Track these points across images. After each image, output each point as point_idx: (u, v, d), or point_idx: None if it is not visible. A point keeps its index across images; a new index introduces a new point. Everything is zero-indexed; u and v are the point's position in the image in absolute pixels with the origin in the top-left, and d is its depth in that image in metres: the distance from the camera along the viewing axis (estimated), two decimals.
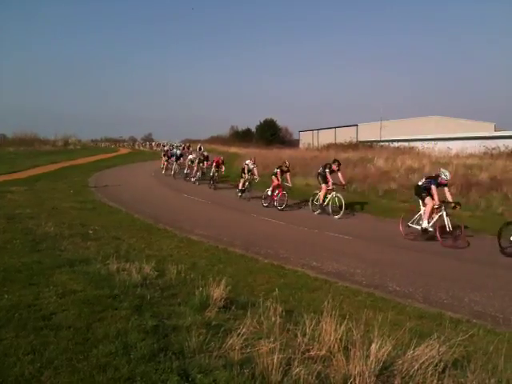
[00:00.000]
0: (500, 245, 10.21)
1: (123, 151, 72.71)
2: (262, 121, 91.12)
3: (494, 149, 27.10)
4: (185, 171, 27.48)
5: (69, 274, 6.55)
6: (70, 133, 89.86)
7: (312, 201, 16.28)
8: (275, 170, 17.84)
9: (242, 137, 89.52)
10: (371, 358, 3.66)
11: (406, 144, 37.48)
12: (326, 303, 4.52)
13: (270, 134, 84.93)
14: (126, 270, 6.70)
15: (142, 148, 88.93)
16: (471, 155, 26.26)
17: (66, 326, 4.54)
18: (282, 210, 16.44)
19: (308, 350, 4.08)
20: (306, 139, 74.70)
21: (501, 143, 27.60)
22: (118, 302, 5.36)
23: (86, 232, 10.29)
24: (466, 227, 11.40)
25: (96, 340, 4.22)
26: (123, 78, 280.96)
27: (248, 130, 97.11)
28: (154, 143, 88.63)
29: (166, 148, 39.20)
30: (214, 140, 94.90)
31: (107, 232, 10.59)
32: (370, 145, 41.85)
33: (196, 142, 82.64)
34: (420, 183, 12.13)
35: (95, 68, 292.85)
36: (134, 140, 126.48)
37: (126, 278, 6.32)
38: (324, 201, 15.68)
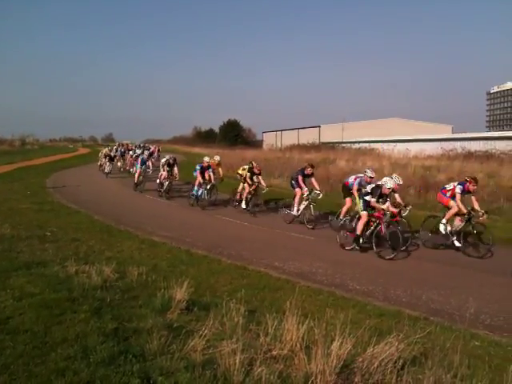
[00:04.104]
0: None
1: (83, 151, 71.27)
2: (225, 121, 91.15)
3: (451, 150, 27.94)
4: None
5: (26, 276, 6.36)
6: (27, 132, 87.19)
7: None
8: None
9: (205, 137, 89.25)
10: (332, 357, 3.70)
11: (366, 145, 38.19)
12: (288, 303, 4.56)
13: (234, 134, 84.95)
14: (86, 273, 6.56)
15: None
16: (429, 156, 26.98)
17: (23, 329, 4.42)
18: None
19: (270, 350, 4.10)
20: (269, 140, 75.11)
21: (458, 145, 28.48)
22: (77, 304, 5.24)
23: (43, 234, 10.01)
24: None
25: (54, 344, 4.12)
26: (84, 77, 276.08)
27: (211, 131, 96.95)
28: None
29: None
30: (177, 140, 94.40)
31: (66, 234, 10.33)
32: (332, 146, 42.45)
33: (158, 142, 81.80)
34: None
35: (55, 66, 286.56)
36: (94, 140, 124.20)
37: (86, 280, 6.18)
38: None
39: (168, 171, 19.20)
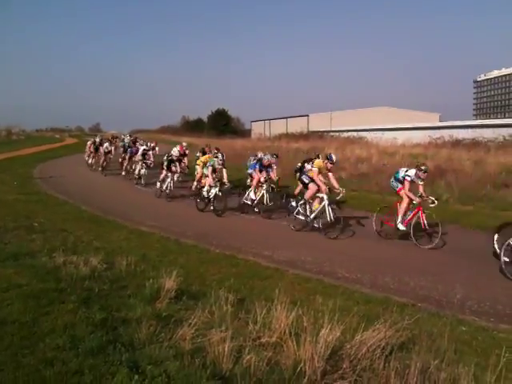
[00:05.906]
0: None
1: (69, 141, 70.57)
2: (213, 111, 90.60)
3: (438, 138, 28.07)
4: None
5: (13, 267, 6.32)
6: (13, 123, 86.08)
7: None
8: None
9: (193, 127, 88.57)
10: (321, 344, 3.73)
11: (355, 134, 38.26)
12: (277, 291, 4.58)
13: (222, 124, 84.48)
14: (74, 263, 6.52)
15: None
16: (417, 145, 27.07)
17: (11, 320, 4.40)
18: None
19: (259, 338, 4.12)
20: (258, 129, 74.76)
21: (445, 133, 28.60)
22: (65, 295, 5.22)
23: (31, 224, 9.92)
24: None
25: (42, 334, 4.11)
26: (69, 66, 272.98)
27: (199, 120, 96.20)
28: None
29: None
30: (165, 130, 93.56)
31: (53, 224, 10.26)
32: (320, 135, 42.44)
33: (146, 131, 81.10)
34: None
35: (40, 56, 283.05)
36: (81, 130, 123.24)
37: (74, 270, 6.16)
38: None
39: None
